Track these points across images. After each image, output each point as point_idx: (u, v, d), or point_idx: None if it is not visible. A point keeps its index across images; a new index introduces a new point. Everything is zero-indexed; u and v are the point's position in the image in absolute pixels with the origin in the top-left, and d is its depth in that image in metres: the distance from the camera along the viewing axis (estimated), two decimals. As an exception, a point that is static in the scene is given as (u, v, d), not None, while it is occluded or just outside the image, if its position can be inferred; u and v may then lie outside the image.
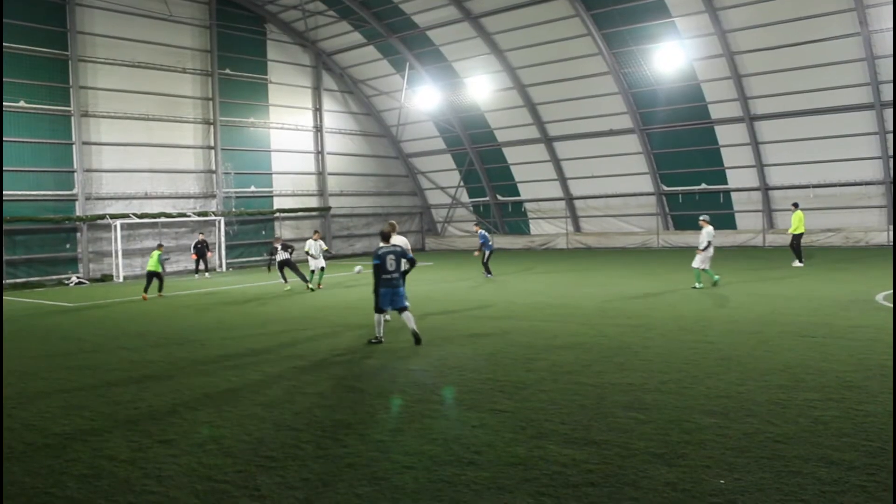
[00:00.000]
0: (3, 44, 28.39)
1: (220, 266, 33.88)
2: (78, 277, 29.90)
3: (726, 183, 34.91)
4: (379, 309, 12.57)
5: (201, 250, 29.98)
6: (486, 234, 25.47)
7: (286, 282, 23.29)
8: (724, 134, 33.89)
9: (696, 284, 18.99)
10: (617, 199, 38.12)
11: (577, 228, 40.04)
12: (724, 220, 34.89)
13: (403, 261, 12.65)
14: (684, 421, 7.40)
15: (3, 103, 28.51)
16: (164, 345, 13.54)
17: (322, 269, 23.43)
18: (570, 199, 39.71)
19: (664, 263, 27.41)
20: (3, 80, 28.47)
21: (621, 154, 36.70)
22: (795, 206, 25.62)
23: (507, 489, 5.80)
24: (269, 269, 24.72)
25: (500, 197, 42.59)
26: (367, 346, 12.51)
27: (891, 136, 29.44)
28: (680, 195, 36.34)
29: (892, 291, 16.42)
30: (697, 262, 19.05)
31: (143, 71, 32.76)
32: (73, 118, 30.54)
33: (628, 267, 26.01)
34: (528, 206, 41.86)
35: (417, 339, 12.33)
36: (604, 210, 38.83)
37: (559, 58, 34.84)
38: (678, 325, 13.32)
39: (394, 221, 16.02)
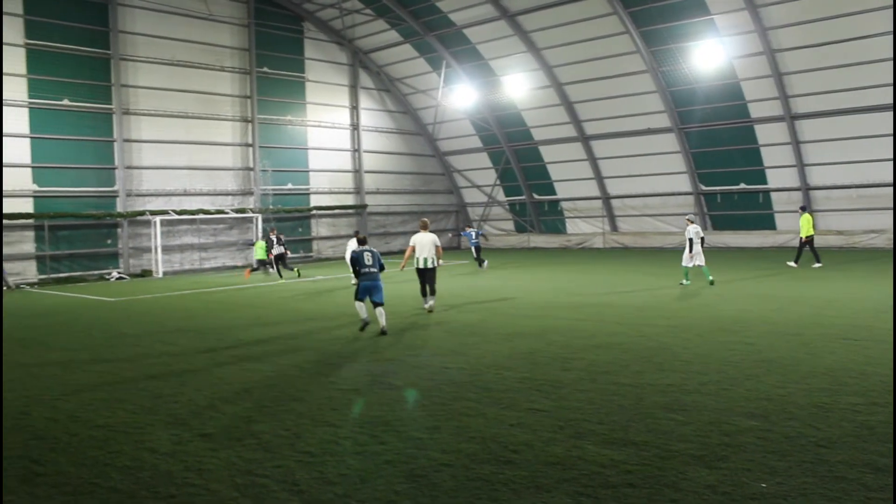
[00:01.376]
0: (49, 43, 28.99)
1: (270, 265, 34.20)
2: (118, 273, 30.36)
3: (766, 183, 34.41)
4: (358, 299, 13.97)
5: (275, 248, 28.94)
6: (471, 231, 30.25)
7: (281, 276, 25.98)
8: (763, 133, 33.39)
9: (684, 281, 20.39)
10: (654, 198, 37.77)
11: (614, 228, 39.75)
12: (764, 221, 34.40)
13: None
14: (724, 423, 7.31)
15: (49, 101, 29.11)
16: (202, 339, 13.70)
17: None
18: (606, 198, 39.44)
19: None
20: (49, 78, 29.07)
21: (659, 153, 36.35)
22: (803, 209, 25.68)
23: (545, 489, 5.78)
24: (268, 269, 27.92)
25: (536, 195, 42.43)
26: (399, 342, 12.56)
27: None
28: (718, 195, 35.90)
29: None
30: (686, 261, 20.12)
31: (182, 69, 33.17)
32: (114, 116, 31.02)
33: (665, 267, 25.75)
34: (564, 204, 41.64)
35: (383, 332, 13.54)
36: (641, 209, 38.51)
37: (596, 56, 34.60)
38: (716, 326, 13.17)
39: (426, 219, 17.45)
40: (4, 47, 27.87)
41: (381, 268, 14.13)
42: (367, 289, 13.85)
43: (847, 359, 10.11)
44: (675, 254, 32.89)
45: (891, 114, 29.30)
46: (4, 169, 27.85)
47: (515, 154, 41.56)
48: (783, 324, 13.24)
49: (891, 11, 27.12)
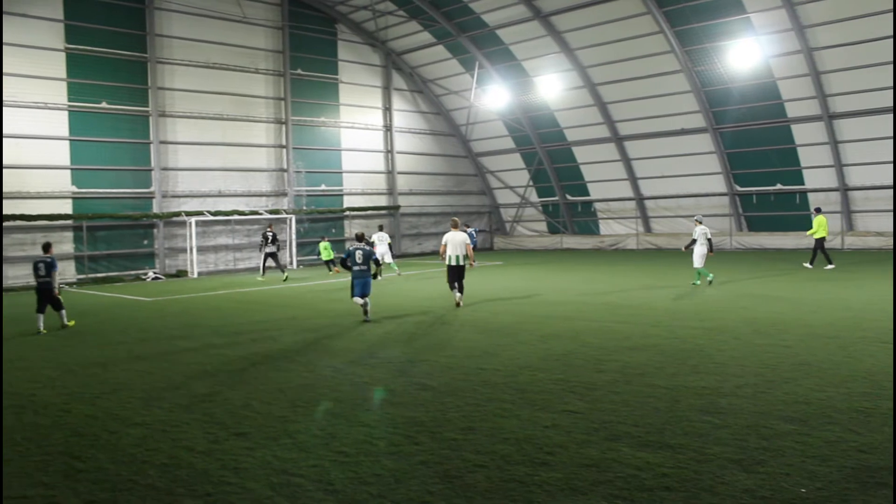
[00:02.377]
0: (88, 47, 29.50)
1: (292, 263, 34.44)
2: (154, 273, 30.76)
3: (803, 183, 33.95)
4: (354, 295, 15.55)
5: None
6: (473, 231, 33.81)
7: (264, 274, 27.03)
8: (800, 133, 32.94)
9: (696, 282, 20.71)
10: (688, 199, 37.43)
11: (648, 229, 39.46)
12: (801, 222, 33.89)
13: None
14: (762, 427, 7.22)
15: (87, 104, 29.60)
16: (237, 339, 13.83)
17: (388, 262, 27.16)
18: (640, 199, 39.17)
19: (737, 266, 26.80)
20: (88, 81, 29.56)
21: (693, 153, 36.04)
22: (818, 210, 25.97)
23: (580, 491, 5.75)
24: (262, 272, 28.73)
25: (569, 196, 42.27)
26: (433, 343, 12.57)
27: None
28: (754, 196, 35.50)
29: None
30: (698, 261, 20.46)
31: (217, 72, 33.53)
32: (150, 118, 31.45)
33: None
34: (597, 206, 41.44)
35: (365, 313, 15.52)
36: (675, 210, 38.18)
37: (630, 56, 34.38)
38: (752, 329, 13.01)
39: (456, 219, 18.63)
40: (45, 52, 28.42)
41: (375, 263, 15.95)
42: (359, 286, 15.48)
43: (886, 363, 9.92)
44: (709, 256, 32.58)
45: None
46: (45, 171, 28.46)
47: (548, 155, 41.43)
48: (820, 326, 13.04)
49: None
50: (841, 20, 28.64)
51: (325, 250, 29.72)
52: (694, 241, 20.47)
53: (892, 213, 31.08)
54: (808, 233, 25.77)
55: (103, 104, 30.16)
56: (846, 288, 18.91)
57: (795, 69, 31.02)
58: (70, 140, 29.33)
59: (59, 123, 29.09)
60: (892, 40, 28.00)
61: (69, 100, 29.27)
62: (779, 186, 34.47)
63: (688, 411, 7.85)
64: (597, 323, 14.36)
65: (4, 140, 27.18)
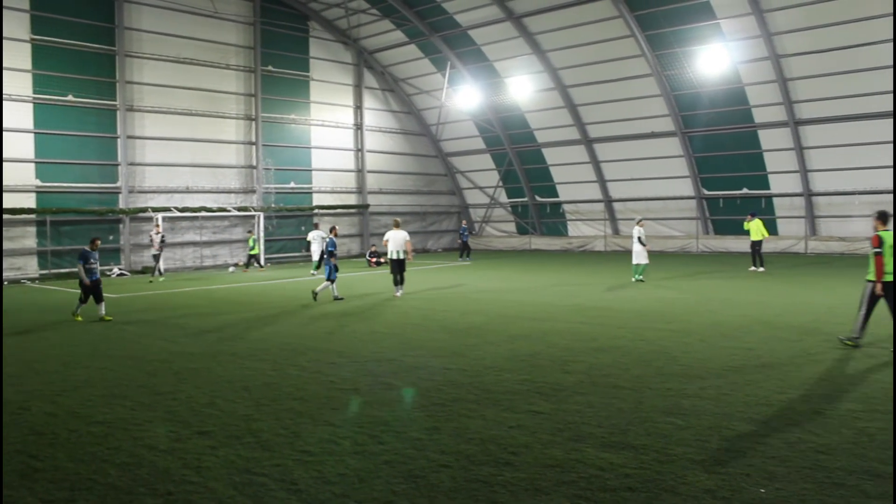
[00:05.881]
0: (54, 39, 29.03)
1: (260, 261, 34.18)
2: (120, 269, 30.35)
3: (769, 188, 34.39)
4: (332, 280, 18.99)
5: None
6: (464, 230, 36.42)
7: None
8: (767, 138, 33.37)
9: (639, 278, 22.58)
10: (657, 202, 37.77)
11: (616, 231, 39.73)
12: (767, 226, 34.34)
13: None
14: (724, 428, 7.31)
15: (53, 97, 29.15)
16: (203, 337, 13.71)
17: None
18: (609, 201, 39.43)
19: (703, 268, 27.10)
20: (54, 74, 29.10)
21: (662, 157, 36.33)
22: (753, 215, 26.85)
23: (543, 491, 5.78)
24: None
25: (538, 198, 42.42)
26: (401, 343, 12.56)
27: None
28: (721, 199, 35.90)
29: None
30: (636, 258, 22.41)
31: (187, 67, 33.18)
32: (118, 112, 31.02)
33: (667, 271, 25.76)
34: (566, 207, 41.63)
35: (314, 297, 18.85)
36: (643, 213, 38.39)
37: (601, 59, 34.59)
38: (718, 331, 13.16)
39: (398, 219, 21.43)
40: (10, 43, 27.92)
41: (330, 255, 19.17)
42: (332, 267, 19.06)
43: (847, 365, 10.10)
44: (676, 257, 32.97)
45: (893, 120, 29.29)
46: (8, 164, 27.89)
47: (518, 156, 41.56)
48: (785, 329, 13.23)
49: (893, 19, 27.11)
50: (808, 28, 29.05)
51: (252, 244, 30.92)
52: (639, 240, 22.26)
53: (854, 219, 31.63)
54: (761, 236, 26.08)
55: (70, 97, 29.70)
56: (810, 292, 19.20)
57: (763, 75, 31.42)
58: (35, 133, 28.84)
59: (24, 116, 28.56)
60: (859, 48, 28.50)
61: (34, 92, 28.76)
62: (745, 191, 34.87)
63: (652, 412, 7.92)
64: (564, 324, 14.44)
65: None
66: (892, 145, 29.63)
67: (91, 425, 7.86)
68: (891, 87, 28.77)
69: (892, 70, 28.32)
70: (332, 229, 20.29)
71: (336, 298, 19.11)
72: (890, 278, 11.06)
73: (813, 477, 5.96)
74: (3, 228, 27.32)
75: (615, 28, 32.87)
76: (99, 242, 17.37)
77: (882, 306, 11.21)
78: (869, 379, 9.28)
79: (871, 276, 11.21)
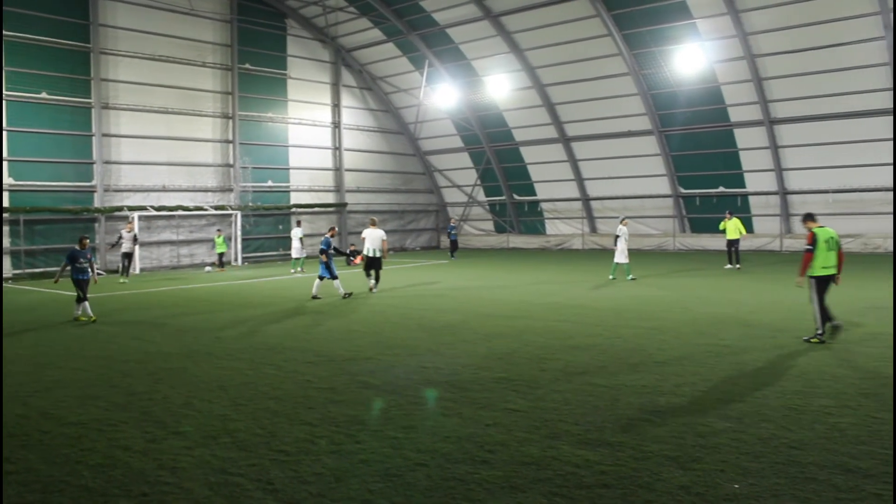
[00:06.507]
0: (27, 35, 28.65)
1: (237, 260, 34.01)
2: (97, 269, 30.01)
3: (744, 186, 34.70)
4: (321, 277, 19.28)
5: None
6: (454, 226, 37.73)
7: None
8: (743, 137, 33.67)
9: (630, 277, 22.76)
10: (634, 200, 37.97)
11: (593, 229, 39.91)
12: (742, 224, 34.71)
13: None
14: (699, 424, 7.37)
15: (26, 94, 28.79)
16: (178, 336, 13.61)
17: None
18: (586, 199, 39.59)
19: (680, 266, 27.30)
20: (27, 71, 28.73)
21: (639, 155, 36.54)
22: (730, 213, 27.17)
23: (519, 489, 5.80)
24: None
25: (516, 196, 42.52)
26: (377, 341, 12.55)
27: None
28: (697, 198, 36.16)
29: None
30: (618, 257, 22.70)
31: (163, 64, 32.90)
32: (93, 110, 30.71)
33: (644, 269, 25.90)
34: (544, 205, 41.77)
35: (315, 298, 18.81)
36: (620, 211, 38.59)
37: (579, 58, 34.73)
38: (693, 329, 13.26)
39: (374, 218, 21.84)
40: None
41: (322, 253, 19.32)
42: (323, 267, 19.24)
43: (821, 362, 10.21)
44: (653, 256, 33.17)
45: (866, 120, 29.72)
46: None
47: (496, 154, 41.63)
48: (759, 327, 13.36)
49: (870, 20, 27.43)
50: (783, 28, 29.35)
51: (220, 244, 30.69)
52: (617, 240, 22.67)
53: (827, 217, 31.94)
54: (738, 234, 26.21)
55: (43, 94, 29.35)
56: (784, 290, 19.36)
57: (739, 75, 31.69)
58: (7, 131, 28.45)
59: (-4, 113, 28.23)
60: (833, 48, 28.82)
61: (6, 89, 28.36)
62: (721, 189, 35.16)
63: (627, 410, 7.97)
64: (541, 322, 14.48)
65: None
66: (866, 144, 30.07)
67: (64, 426, 7.77)
68: (864, 87, 29.17)
69: (866, 70, 28.71)
70: (332, 230, 20.67)
71: (345, 295, 19.16)
72: (828, 272, 12.02)
73: (786, 472, 6.03)
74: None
75: (592, 27, 33.00)
76: (87, 241, 17.06)
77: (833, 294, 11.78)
78: (840, 376, 9.39)
79: (811, 272, 11.99)
